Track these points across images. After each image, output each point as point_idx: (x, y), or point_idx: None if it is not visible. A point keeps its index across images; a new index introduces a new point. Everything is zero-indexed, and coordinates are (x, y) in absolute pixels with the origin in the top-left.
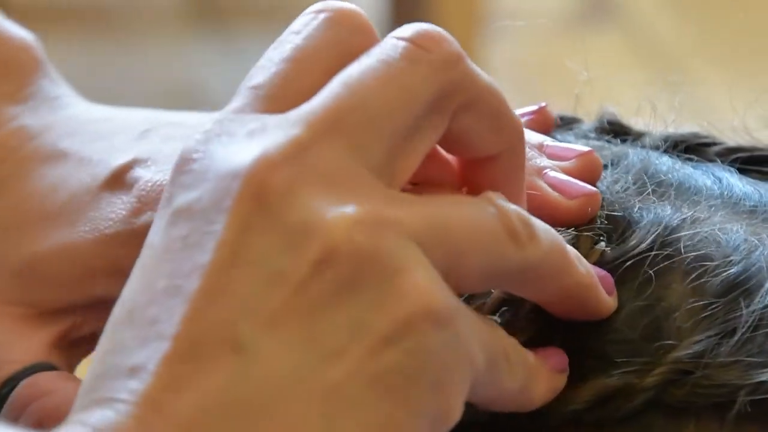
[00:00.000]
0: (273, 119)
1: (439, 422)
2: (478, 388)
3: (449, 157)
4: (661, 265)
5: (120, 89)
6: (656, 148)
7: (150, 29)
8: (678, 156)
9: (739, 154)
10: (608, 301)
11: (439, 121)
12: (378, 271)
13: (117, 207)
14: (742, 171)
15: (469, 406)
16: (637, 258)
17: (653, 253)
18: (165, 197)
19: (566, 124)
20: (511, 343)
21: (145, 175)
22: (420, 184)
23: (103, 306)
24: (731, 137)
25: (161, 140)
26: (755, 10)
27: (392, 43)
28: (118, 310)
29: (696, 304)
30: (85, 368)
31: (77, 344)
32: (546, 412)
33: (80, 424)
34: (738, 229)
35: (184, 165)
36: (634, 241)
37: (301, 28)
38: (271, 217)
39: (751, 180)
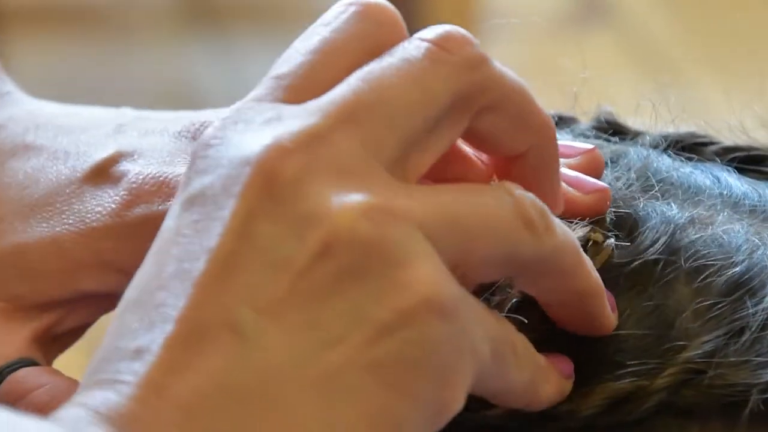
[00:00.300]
0: (290, 109)
1: (440, 412)
2: (484, 380)
3: (481, 156)
4: (669, 267)
5: (115, 89)
6: (655, 147)
7: (144, 30)
8: (676, 155)
9: (737, 154)
10: (611, 316)
11: (459, 122)
12: (381, 260)
13: (104, 200)
14: (739, 170)
15: (482, 410)
16: (648, 259)
17: (664, 256)
18: (182, 182)
19: (564, 123)
20: (520, 338)
21: (134, 168)
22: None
23: (87, 301)
24: (728, 137)
25: (140, 134)
26: (749, 10)
27: (415, 44)
28: (128, 294)
29: (702, 304)
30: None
31: (58, 339)
32: (559, 417)
33: (81, 406)
34: (739, 229)
35: (201, 151)
36: (645, 243)
37: (331, 20)
38: (278, 204)
39: (749, 180)
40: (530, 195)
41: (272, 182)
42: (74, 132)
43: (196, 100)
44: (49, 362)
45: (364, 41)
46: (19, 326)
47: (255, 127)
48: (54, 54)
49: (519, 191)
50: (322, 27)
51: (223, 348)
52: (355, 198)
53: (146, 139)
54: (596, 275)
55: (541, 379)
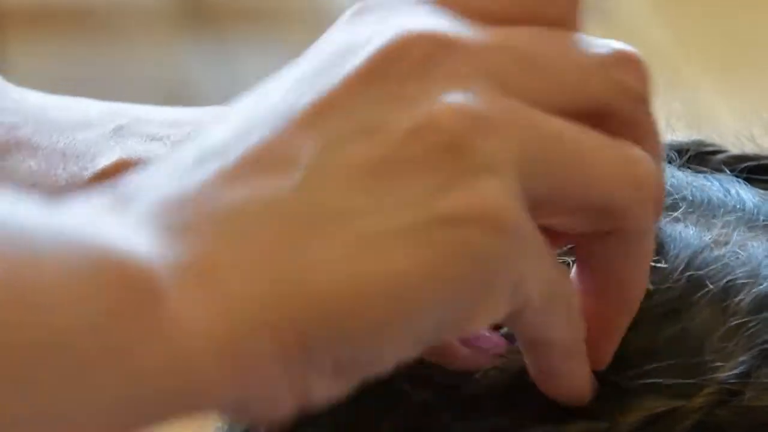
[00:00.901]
0: (457, 19)
1: (452, 323)
2: (528, 322)
3: None
4: (693, 288)
5: (113, 90)
6: (669, 161)
7: (143, 31)
8: (683, 166)
9: (746, 163)
10: (614, 349)
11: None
12: (461, 161)
13: None
14: (747, 180)
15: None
16: (672, 283)
17: (687, 278)
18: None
19: None
20: (577, 302)
21: None
22: None
23: None
24: (734, 143)
25: (144, 140)
26: (750, 12)
27: (603, 43)
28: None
29: (732, 323)
30: None
31: None
32: None
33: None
34: (758, 246)
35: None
36: (669, 267)
37: None
38: (392, 78)
39: (760, 191)
40: (650, 158)
41: (400, 59)
42: (68, 130)
43: (193, 101)
44: None
45: None
46: None
47: (416, 10)
48: (52, 55)
49: (640, 149)
50: None
51: (275, 176)
52: (463, 99)
53: (152, 145)
54: None
55: (583, 360)
